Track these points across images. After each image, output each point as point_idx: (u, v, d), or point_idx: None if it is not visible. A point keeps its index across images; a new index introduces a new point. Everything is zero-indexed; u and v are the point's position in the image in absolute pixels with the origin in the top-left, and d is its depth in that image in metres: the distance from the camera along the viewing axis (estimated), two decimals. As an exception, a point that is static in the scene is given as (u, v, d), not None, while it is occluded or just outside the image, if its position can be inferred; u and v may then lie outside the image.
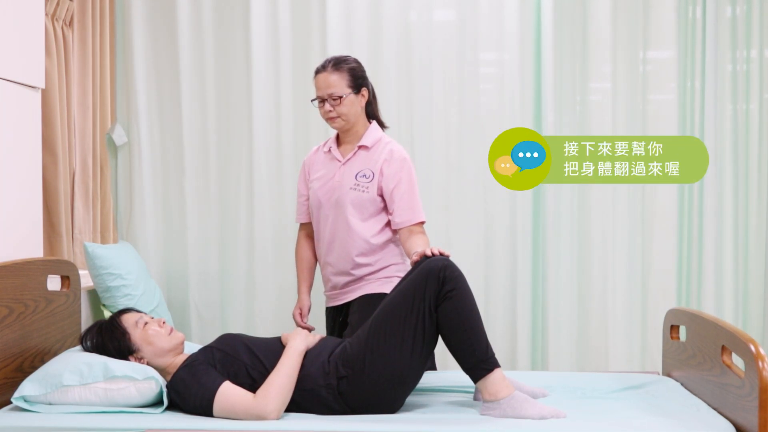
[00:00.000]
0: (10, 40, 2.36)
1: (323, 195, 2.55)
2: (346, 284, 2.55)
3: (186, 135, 3.29)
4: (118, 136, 3.25)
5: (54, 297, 2.38)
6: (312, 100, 2.55)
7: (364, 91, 2.54)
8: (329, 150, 2.60)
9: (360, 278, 2.52)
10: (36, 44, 2.52)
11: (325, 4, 3.21)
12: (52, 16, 2.79)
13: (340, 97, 2.46)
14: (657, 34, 3.23)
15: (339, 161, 2.55)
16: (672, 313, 2.51)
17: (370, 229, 2.50)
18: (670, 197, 3.23)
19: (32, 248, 2.48)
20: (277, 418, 1.98)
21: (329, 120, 2.51)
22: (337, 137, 2.62)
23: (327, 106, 2.48)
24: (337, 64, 2.49)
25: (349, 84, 2.48)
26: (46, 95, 2.72)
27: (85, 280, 2.80)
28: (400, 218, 2.46)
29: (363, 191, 2.48)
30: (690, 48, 3.23)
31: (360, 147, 2.52)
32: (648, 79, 3.26)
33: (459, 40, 3.25)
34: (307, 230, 2.72)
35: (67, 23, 2.94)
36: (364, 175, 2.49)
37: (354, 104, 2.50)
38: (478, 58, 3.25)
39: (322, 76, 2.48)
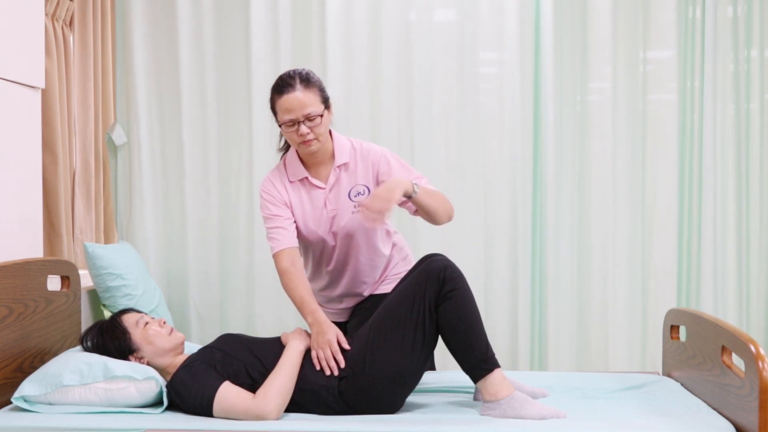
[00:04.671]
0: (10, 40, 2.36)
1: (320, 228, 2.31)
2: (357, 303, 2.47)
3: (186, 135, 3.29)
4: (118, 136, 3.25)
5: (54, 297, 2.38)
6: (280, 125, 2.22)
7: (330, 104, 2.28)
8: (303, 179, 2.31)
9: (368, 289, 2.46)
10: (36, 44, 2.52)
11: (325, 4, 3.21)
12: (52, 16, 2.80)
13: (320, 116, 2.19)
14: (657, 34, 3.23)
15: (321, 188, 2.31)
16: (672, 313, 2.51)
17: (381, 243, 2.37)
18: (671, 197, 3.23)
19: (32, 248, 2.48)
20: (277, 418, 1.98)
21: (305, 144, 2.20)
22: (301, 161, 2.32)
23: (303, 129, 2.17)
24: (306, 80, 2.20)
25: (321, 99, 2.21)
26: (46, 95, 2.72)
27: (85, 280, 2.80)
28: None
29: None
30: (690, 48, 3.23)
31: (340, 167, 2.30)
32: (648, 79, 3.26)
33: (459, 40, 3.25)
34: (291, 256, 2.27)
35: (67, 23, 2.95)
36: (359, 192, 2.30)
37: (328, 121, 2.26)
38: (478, 58, 3.25)
39: (293, 96, 2.16)
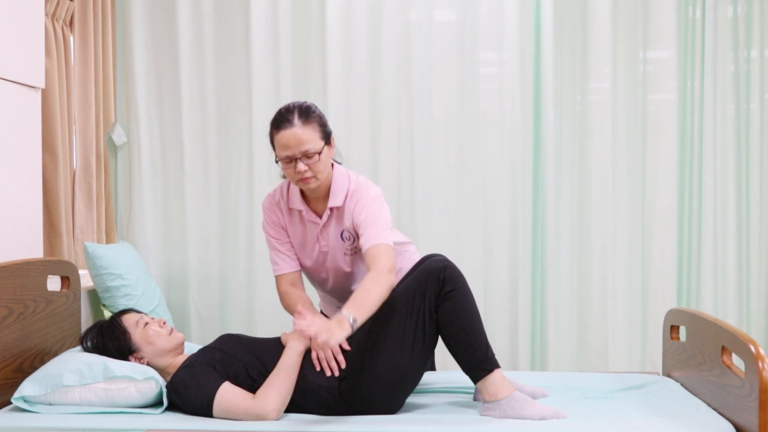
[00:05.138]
0: (10, 40, 2.36)
1: (311, 260, 2.30)
2: None
3: (186, 135, 3.28)
4: (118, 136, 3.25)
5: (54, 297, 2.38)
6: (277, 161, 2.13)
7: (333, 139, 2.19)
8: (301, 211, 2.25)
9: None
10: (36, 44, 2.52)
11: (325, 4, 3.21)
12: (52, 16, 2.80)
13: (318, 153, 2.09)
14: (657, 34, 3.23)
15: (316, 223, 2.25)
16: (672, 314, 2.51)
17: None
18: (671, 197, 3.23)
19: (32, 248, 2.48)
20: (277, 419, 1.98)
21: (302, 181, 2.11)
22: (301, 191, 2.25)
23: (300, 166, 2.07)
24: (305, 114, 2.10)
25: (321, 135, 2.11)
26: (46, 95, 2.72)
27: (85, 280, 2.80)
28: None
29: (357, 249, 2.24)
30: (690, 48, 3.23)
31: (332, 209, 2.21)
32: (648, 79, 3.26)
33: (459, 40, 3.25)
34: (291, 279, 2.31)
35: (67, 23, 2.95)
36: (347, 238, 2.24)
37: (328, 157, 2.16)
38: (478, 58, 3.25)
39: (290, 132, 2.07)
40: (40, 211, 2.56)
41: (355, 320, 1.91)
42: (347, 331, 1.88)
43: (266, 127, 3.17)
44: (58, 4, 2.80)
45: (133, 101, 3.26)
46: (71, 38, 2.99)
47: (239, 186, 3.31)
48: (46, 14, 2.72)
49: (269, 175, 3.27)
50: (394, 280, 2.06)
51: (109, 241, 3.21)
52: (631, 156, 3.25)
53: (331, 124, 3.15)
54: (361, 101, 3.25)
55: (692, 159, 3.25)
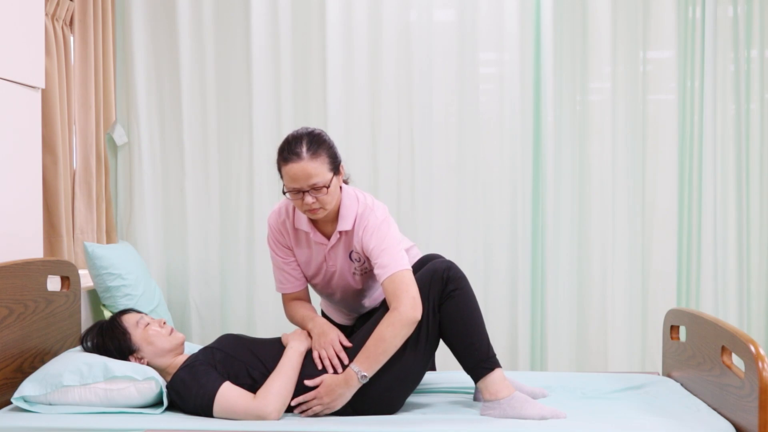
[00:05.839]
0: (10, 40, 2.36)
1: (318, 278, 2.31)
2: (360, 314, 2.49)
3: (186, 135, 3.28)
4: (119, 136, 3.24)
5: (54, 297, 2.38)
6: (284, 192, 2.09)
7: (342, 167, 2.15)
8: (308, 233, 2.22)
9: None
10: (36, 44, 2.52)
11: (325, 4, 3.20)
12: (52, 16, 2.80)
13: (326, 186, 2.06)
14: (657, 34, 3.23)
15: (324, 244, 2.22)
16: (672, 314, 2.51)
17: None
18: (671, 197, 3.23)
19: (32, 248, 2.48)
20: (277, 419, 1.98)
21: (310, 212, 2.09)
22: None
23: (308, 199, 2.04)
24: (313, 146, 2.05)
25: (330, 167, 2.07)
26: (46, 95, 2.72)
27: (85, 280, 2.80)
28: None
29: (367, 269, 2.25)
30: (690, 48, 3.23)
31: (341, 232, 2.19)
32: (648, 79, 3.26)
33: (459, 40, 3.25)
34: (296, 295, 2.33)
35: (67, 23, 2.95)
36: (357, 259, 2.23)
37: (337, 187, 2.12)
38: (478, 58, 3.25)
39: (298, 166, 2.02)
40: (40, 211, 2.56)
41: (364, 376, 1.99)
42: (354, 388, 2.01)
43: (266, 127, 3.23)
44: (58, 4, 2.80)
45: (133, 101, 3.25)
46: (71, 38, 2.99)
47: (239, 186, 3.31)
48: (46, 14, 2.72)
49: (269, 175, 3.27)
50: (417, 315, 2.01)
51: (109, 241, 3.21)
52: (631, 156, 3.25)
53: (331, 124, 3.17)
54: (361, 101, 3.25)
55: (692, 159, 3.25)
